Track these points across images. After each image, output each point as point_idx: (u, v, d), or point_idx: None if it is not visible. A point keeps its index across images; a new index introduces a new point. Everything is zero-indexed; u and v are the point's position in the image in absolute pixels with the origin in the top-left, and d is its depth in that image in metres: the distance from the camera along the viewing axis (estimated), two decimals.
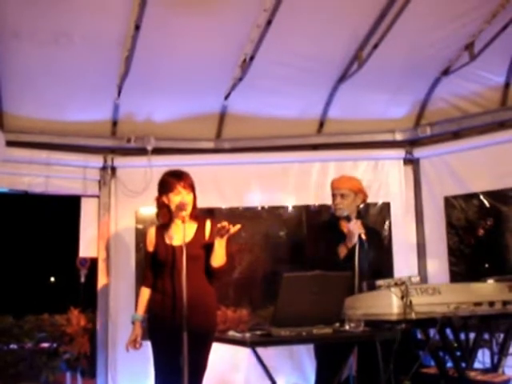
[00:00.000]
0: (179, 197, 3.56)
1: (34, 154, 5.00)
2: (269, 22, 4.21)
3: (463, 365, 3.58)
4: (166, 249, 3.58)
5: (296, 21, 4.29)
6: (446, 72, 4.86)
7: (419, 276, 3.96)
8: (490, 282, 3.75)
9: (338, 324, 3.42)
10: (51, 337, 5.01)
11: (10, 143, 4.74)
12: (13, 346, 4.90)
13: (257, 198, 5.41)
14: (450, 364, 3.61)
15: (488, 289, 3.69)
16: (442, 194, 5.20)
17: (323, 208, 5.18)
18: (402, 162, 5.34)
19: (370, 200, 4.48)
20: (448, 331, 3.58)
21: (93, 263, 5.52)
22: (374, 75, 4.73)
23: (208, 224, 3.65)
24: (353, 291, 3.70)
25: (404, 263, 5.17)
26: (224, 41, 4.47)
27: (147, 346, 3.61)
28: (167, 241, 3.61)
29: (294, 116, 5.28)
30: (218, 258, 3.50)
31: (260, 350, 3.26)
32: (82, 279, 6.52)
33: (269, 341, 3.28)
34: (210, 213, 5.09)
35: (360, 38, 4.46)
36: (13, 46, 4.28)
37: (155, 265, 3.62)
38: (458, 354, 3.58)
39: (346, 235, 3.97)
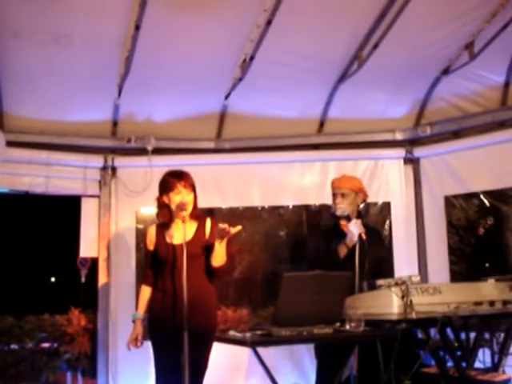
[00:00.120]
0: (180, 196, 3.56)
1: (34, 154, 5.00)
2: (269, 22, 4.21)
3: (464, 364, 3.59)
4: (166, 247, 3.58)
5: (296, 21, 4.29)
6: (445, 71, 4.86)
7: (419, 275, 3.96)
8: (491, 281, 3.75)
9: (338, 324, 3.42)
10: (52, 337, 5.01)
11: (10, 143, 4.74)
12: (13, 346, 4.90)
13: (257, 198, 5.40)
14: (450, 363, 3.61)
15: (488, 288, 3.69)
16: (442, 193, 5.19)
17: (324, 208, 5.16)
18: (402, 161, 5.33)
19: (370, 199, 4.48)
20: (448, 331, 3.58)
21: (93, 263, 5.53)
22: (374, 75, 4.73)
23: (208, 223, 3.65)
24: (353, 291, 3.69)
25: (404, 263, 5.16)
26: (224, 41, 4.47)
27: (148, 345, 3.60)
28: (168, 239, 3.61)
29: (295, 116, 5.28)
30: (219, 258, 3.51)
31: (260, 350, 3.25)
32: (83, 279, 6.55)
33: (269, 340, 3.28)
34: (210, 213, 5.07)
35: (360, 37, 4.46)
36: (13, 46, 4.27)
37: (155, 263, 3.63)
38: (459, 353, 3.58)
39: (346, 235, 3.97)
